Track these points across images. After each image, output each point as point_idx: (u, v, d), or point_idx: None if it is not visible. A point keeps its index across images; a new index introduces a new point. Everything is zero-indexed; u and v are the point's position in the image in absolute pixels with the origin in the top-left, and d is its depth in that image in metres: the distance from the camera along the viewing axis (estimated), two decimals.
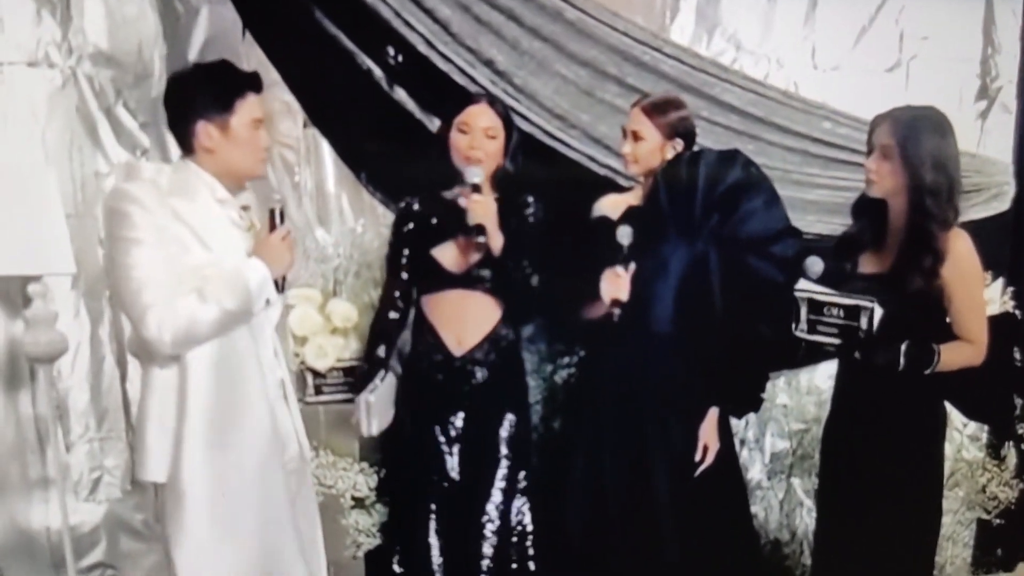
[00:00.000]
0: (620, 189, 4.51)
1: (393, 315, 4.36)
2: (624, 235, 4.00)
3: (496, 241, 4.13)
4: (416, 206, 4.38)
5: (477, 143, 4.22)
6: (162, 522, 3.48)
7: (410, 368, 4.36)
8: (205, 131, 3.44)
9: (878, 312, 3.69)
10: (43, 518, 4.93)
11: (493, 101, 4.34)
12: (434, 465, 4.26)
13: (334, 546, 4.05)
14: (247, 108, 3.49)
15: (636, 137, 4.14)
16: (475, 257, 4.22)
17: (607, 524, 4.11)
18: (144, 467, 3.44)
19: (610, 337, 4.11)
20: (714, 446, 4.10)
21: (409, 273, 4.37)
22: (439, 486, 4.25)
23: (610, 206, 4.28)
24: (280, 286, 3.53)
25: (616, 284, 4.02)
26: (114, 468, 5.16)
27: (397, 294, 4.38)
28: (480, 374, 4.26)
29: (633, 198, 4.29)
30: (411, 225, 4.38)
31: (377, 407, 4.27)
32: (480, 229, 4.09)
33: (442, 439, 4.27)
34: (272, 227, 3.53)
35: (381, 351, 4.33)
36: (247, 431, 3.45)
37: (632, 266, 4.03)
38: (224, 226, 3.48)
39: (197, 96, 3.46)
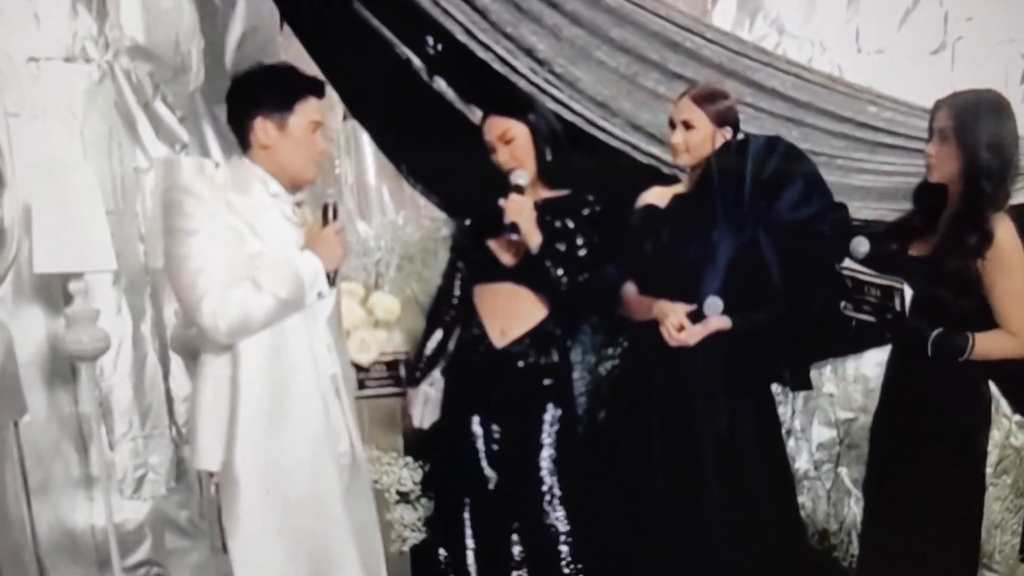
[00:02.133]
0: (663, 177, 4.50)
1: (450, 306, 4.46)
2: (713, 307, 4.03)
3: (533, 239, 4.17)
4: (478, 198, 4.41)
5: (503, 156, 4.28)
6: (211, 514, 3.50)
7: (455, 360, 4.42)
8: (263, 127, 3.51)
9: (908, 293, 3.69)
10: (88, 516, 4.90)
11: (501, 109, 4.36)
12: (474, 458, 4.30)
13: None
14: (307, 110, 3.55)
15: (687, 126, 4.13)
16: (516, 253, 4.26)
17: (653, 516, 4.10)
18: (198, 456, 3.49)
19: (656, 326, 4.08)
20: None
21: (466, 264, 4.44)
22: (479, 480, 4.29)
23: (656, 196, 4.32)
24: (332, 280, 3.56)
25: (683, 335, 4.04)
26: (158, 465, 5.13)
27: (455, 285, 4.47)
28: (520, 366, 4.28)
29: (678, 189, 4.32)
30: (471, 218, 4.47)
31: (432, 401, 4.39)
32: (513, 227, 4.17)
33: (482, 432, 4.31)
34: (325, 222, 3.57)
35: (437, 342, 4.44)
36: (299, 422, 3.48)
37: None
38: (277, 220, 3.53)
39: (259, 93, 3.55)
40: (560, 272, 4.18)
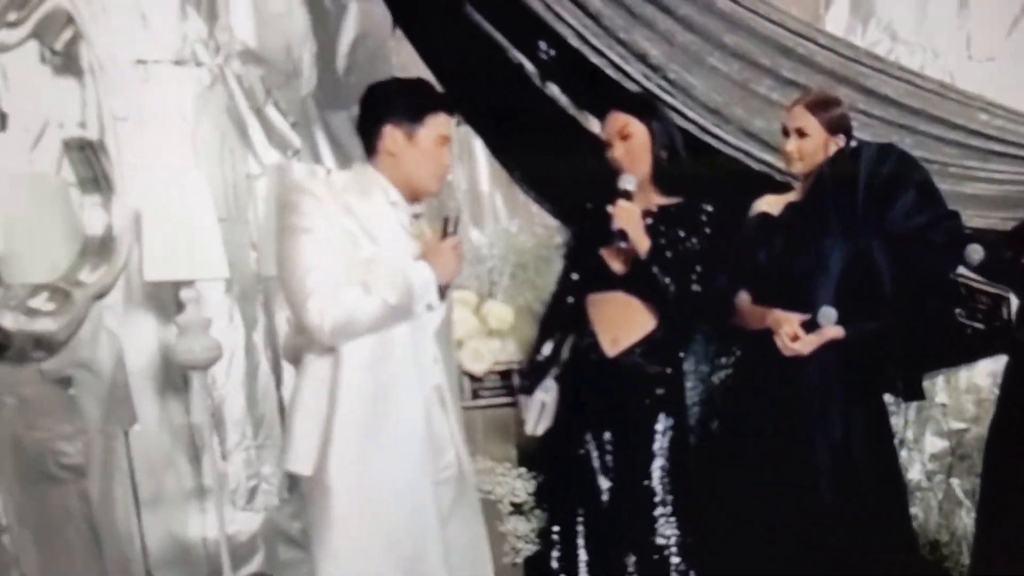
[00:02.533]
0: (776, 184, 4.51)
1: (563, 314, 4.40)
2: (827, 317, 4.00)
3: (641, 245, 4.14)
4: (591, 205, 4.36)
5: (619, 152, 4.24)
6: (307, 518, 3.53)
7: (568, 368, 4.37)
8: (392, 135, 3.51)
9: (1014, 303, 3.76)
10: (200, 528, 4.87)
11: (623, 105, 4.31)
12: (587, 469, 4.27)
13: (493, 553, 3.94)
14: (436, 124, 3.55)
15: (801, 134, 4.14)
16: (625, 261, 4.22)
17: (766, 525, 4.05)
18: (290, 457, 3.48)
19: (770, 335, 4.08)
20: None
21: (580, 272, 4.39)
22: (591, 490, 4.25)
23: (769, 204, 4.31)
24: (443, 294, 3.54)
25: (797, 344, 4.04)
26: (271, 476, 5.09)
27: (568, 293, 4.41)
28: (631, 376, 4.23)
29: (791, 197, 4.30)
30: (587, 224, 4.41)
31: (548, 408, 4.33)
32: (621, 234, 4.15)
33: (595, 442, 4.27)
34: (444, 235, 3.57)
35: (550, 349, 4.39)
36: (398, 432, 3.44)
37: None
38: (394, 228, 3.51)
39: (392, 101, 3.56)
40: (669, 281, 4.13)
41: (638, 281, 4.20)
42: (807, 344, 4.00)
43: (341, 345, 3.37)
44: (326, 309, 3.30)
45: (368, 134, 3.57)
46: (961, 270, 3.89)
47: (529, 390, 4.39)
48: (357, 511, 3.38)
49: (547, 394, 4.35)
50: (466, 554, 3.64)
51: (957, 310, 3.92)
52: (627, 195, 4.16)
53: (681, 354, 4.41)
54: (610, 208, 4.15)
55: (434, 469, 3.52)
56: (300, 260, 3.34)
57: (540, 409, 4.35)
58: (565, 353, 4.38)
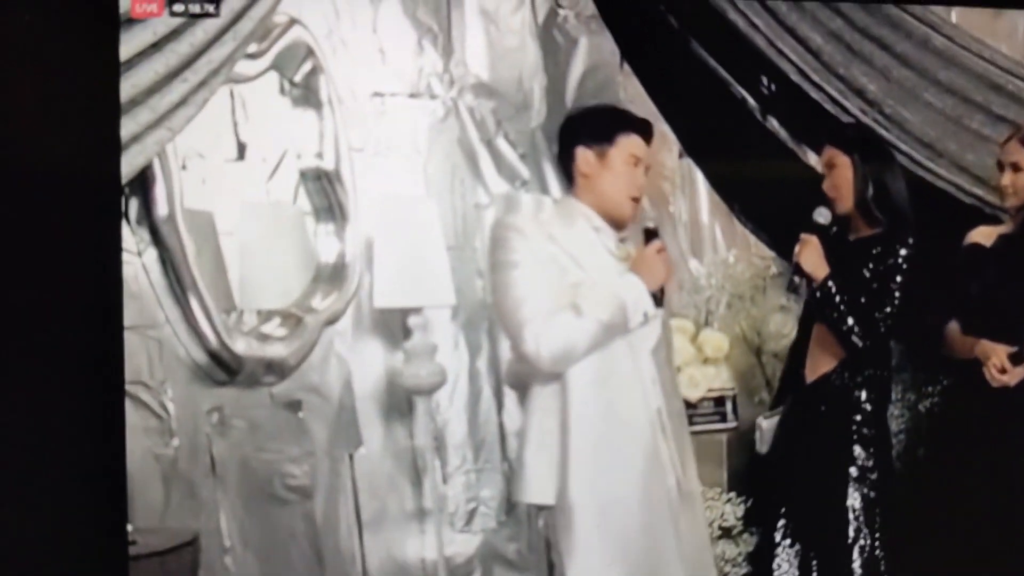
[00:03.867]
0: (986, 218, 4.55)
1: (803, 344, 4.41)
2: None
3: (817, 274, 4.14)
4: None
5: (826, 184, 4.26)
6: (539, 548, 3.81)
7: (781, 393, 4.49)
8: (584, 156, 3.57)
9: None
10: (419, 549, 4.91)
11: (832, 138, 4.33)
12: (788, 492, 4.29)
13: None
14: (628, 143, 3.59)
15: (1016, 168, 4.18)
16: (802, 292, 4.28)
17: (971, 553, 4.06)
18: (528, 490, 3.55)
19: (978, 365, 4.11)
20: None
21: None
22: (796, 514, 4.26)
23: (982, 235, 4.32)
24: (659, 300, 3.54)
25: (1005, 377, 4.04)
26: (490, 499, 5.13)
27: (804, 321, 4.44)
28: (824, 404, 4.23)
29: (1003, 229, 4.33)
30: None
31: (766, 431, 4.38)
32: (797, 268, 4.18)
33: (797, 466, 4.27)
34: (647, 244, 3.61)
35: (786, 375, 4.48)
36: (630, 452, 3.49)
37: None
38: (600, 253, 3.55)
39: (582, 125, 3.67)
40: (842, 313, 4.11)
41: (822, 312, 4.19)
42: (1015, 376, 4.01)
43: (563, 371, 3.42)
44: (541, 336, 3.36)
45: (565, 162, 3.65)
46: None
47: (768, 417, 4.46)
48: (599, 530, 3.42)
49: (765, 420, 4.41)
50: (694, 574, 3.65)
51: None
52: (819, 227, 4.17)
53: (874, 385, 4.30)
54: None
55: (664, 489, 3.54)
56: (512, 293, 3.42)
57: (760, 434, 4.41)
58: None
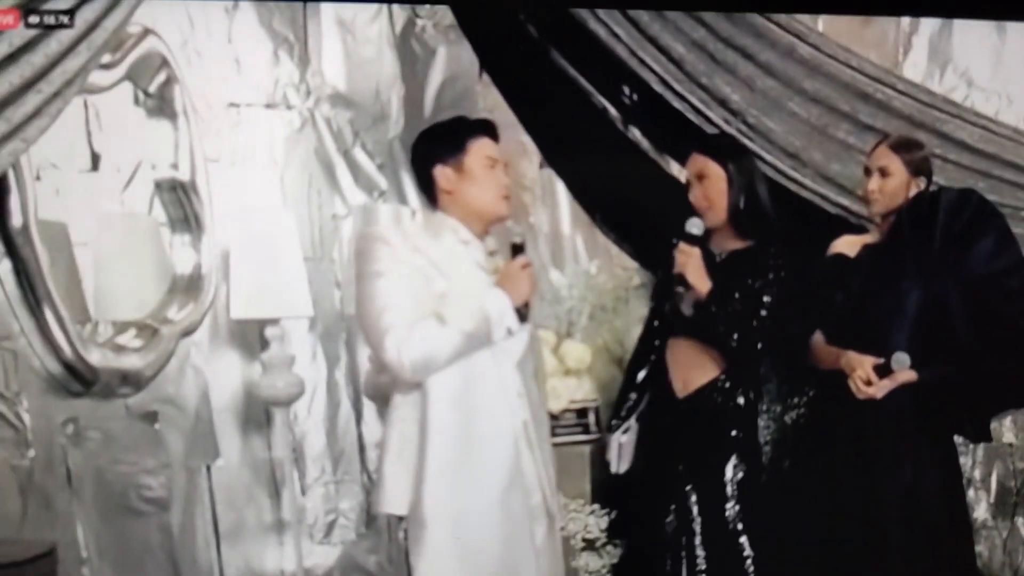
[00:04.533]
0: (851, 228, 4.53)
1: (648, 355, 4.44)
2: (900, 363, 3.99)
3: (701, 288, 4.14)
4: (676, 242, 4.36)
5: (695, 194, 4.25)
6: (399, 560, 3.64)
7: (647, 408, 4.43)
8: (443, 175, 3.54)
9: None
10: (277, 561, 4.90)
11: (704, 148, 4.33)
12: (661, 507, 4.28)
13: None
14: (480, 147, 3.57)
15: (884, 173, 4.16)
16: (689, 305, 4.23)
17: (836, 563, 4.08)
18: (384, 500, 3.52)
19: (842, 376, 4.09)
20: None
21: (659, 315, 4.43)
22: (665, 528, 4.27)
23: (846, 245, 4.31)
24: (523, 316, 3.52)
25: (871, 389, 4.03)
26: (349, 511, 5.12)
27: (653, 334, 4.45)
28: (700, 418, 4.25)
29: (868, 239, 4.32)
30: (663, 269, 4.43)
31: (627, 447, 4.39)
32: (679, 279, 4.15)
33: (668, 481, 4.28)
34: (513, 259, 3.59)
35: (634, 390, 4.45)
36: (490, 467, 3.46)
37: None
38: (467, 264, 3.53)
39: (432, 143, 3.63)
40: (728, 327, 4.15)
41: (702, 325, 4.21)
42: (880, 389, 3.99)
43: (424, 379, 3.41)
44: (403, 344, 3.34)
45: (425, 185, 3.63)
46: None
47: (612, 430, 4.46)
48: (451, 542, 3.41)
49: (624, 435, 4.40)
50: None
51: None
52: (691, 238, 4.16)
53: (750, 396, 4.36)
54: (676, 252, 4.17)
55: (526, 507, 3.53)
56: (375, 302, 3.39)
57: (618, 448, 4.40)
58: (648, 394, 4.42)
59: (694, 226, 4.17)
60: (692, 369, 4.27)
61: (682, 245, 4.15)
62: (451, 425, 3.42)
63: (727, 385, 4.25)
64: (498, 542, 3.47)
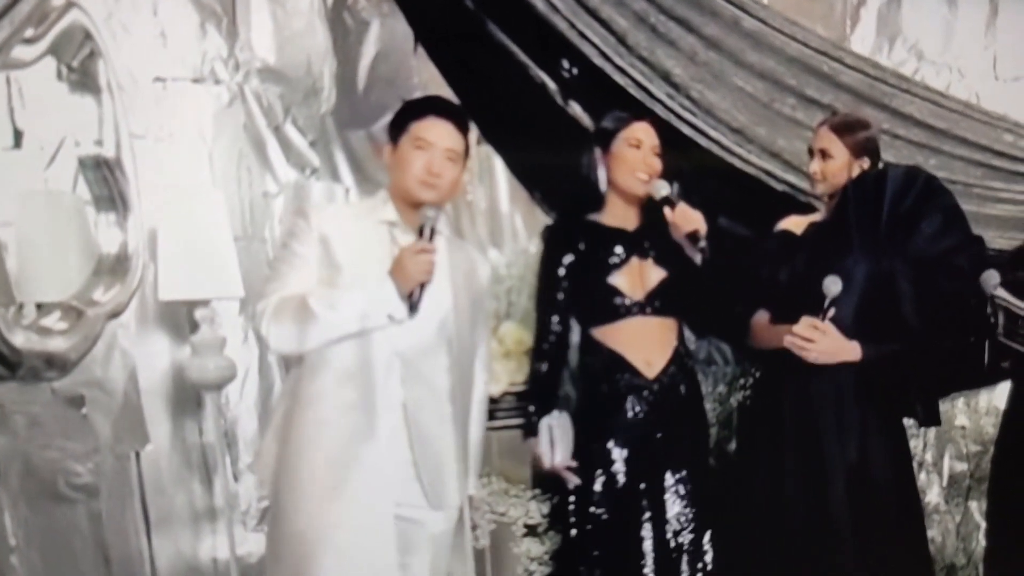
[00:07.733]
0: (799, 206, 4.48)
1: (552, 347, 4.30)
2: (832, 284, 3.91)
3: (703, 228, 4.08)
4: (572, 234, 4.29)
5: (649, 160, 4.17)
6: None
7: (586, 395, 4.29)
8: (385, 151, 3.64)
9: None
10: (210, 549, 4.83)
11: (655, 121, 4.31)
12: (609, 490, 4.21)
13: (506, 574, 4.01)
14: (417, 128, 3.56)
15: (825, 155, 4.15)
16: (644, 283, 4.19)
17: (784, 546, 4.06)
18: (258, 471, 3.72)
19: (787, 356, 4.02)
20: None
21: (575, 303, 4.28)
22: (614, 511, 4.20)
23: (793, 224, 4.29)
24: (414, 304, 3.42)
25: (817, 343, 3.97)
26: None
27: (557, 324, 4.29)
28: (678, 394, 4.22)
29: (815, 217, 4.31)
30: (572, 257, 4.26)
31: (560, 436, 4.22)
32: (695, 236, 4.03)
33: (618, 464, 4.20)
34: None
35: (546, 378, 4.32)
36: (357, 458, 3.45)
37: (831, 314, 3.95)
38: (378, 248, 3.53)
39: (392, 124, 3.66)
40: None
41: (657, 301, 4.18)
42: (827, 336, 3.93)
43: (288, 352, 3.56)
44: (268, 311, 3.43)
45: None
46: (1004, 292, 3.82)
47: (531, 426, 4.30)
48: (309, 541, 3.40)
49: (554, 423, 4.24)
50: None
51: (1000, 333, 3.86)
52: (667, 201, 4.08)
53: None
54: (668, 215, 4.07)
55: (392, 502, 3.50)
56: (272, 270, 3.54)
57: (550, 440, 4.23)
58: (567, 383, 4.32)
59: (663, 188, 4.10)
60: (654, 347, 4.21)
61: (681, 205, 4.07)
62: (319, 407, 3.46)
63: (687, 356, 4.29)
64: (361, 543, 3.44)
